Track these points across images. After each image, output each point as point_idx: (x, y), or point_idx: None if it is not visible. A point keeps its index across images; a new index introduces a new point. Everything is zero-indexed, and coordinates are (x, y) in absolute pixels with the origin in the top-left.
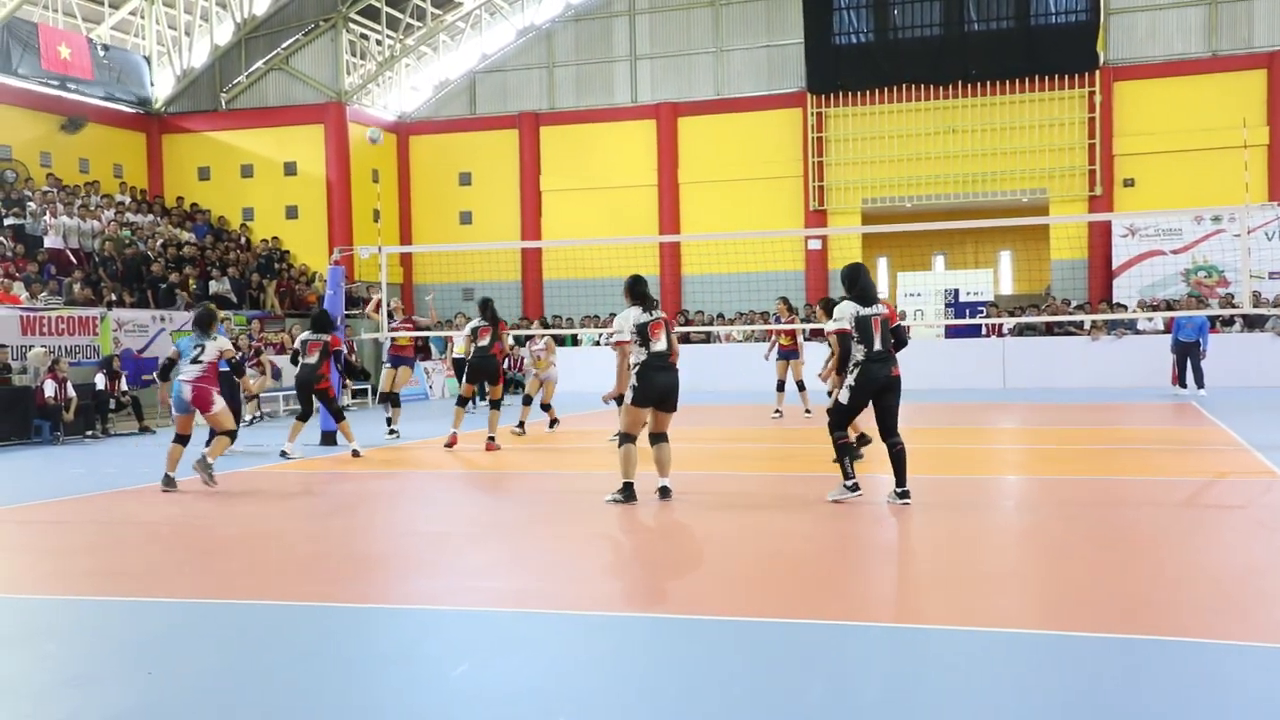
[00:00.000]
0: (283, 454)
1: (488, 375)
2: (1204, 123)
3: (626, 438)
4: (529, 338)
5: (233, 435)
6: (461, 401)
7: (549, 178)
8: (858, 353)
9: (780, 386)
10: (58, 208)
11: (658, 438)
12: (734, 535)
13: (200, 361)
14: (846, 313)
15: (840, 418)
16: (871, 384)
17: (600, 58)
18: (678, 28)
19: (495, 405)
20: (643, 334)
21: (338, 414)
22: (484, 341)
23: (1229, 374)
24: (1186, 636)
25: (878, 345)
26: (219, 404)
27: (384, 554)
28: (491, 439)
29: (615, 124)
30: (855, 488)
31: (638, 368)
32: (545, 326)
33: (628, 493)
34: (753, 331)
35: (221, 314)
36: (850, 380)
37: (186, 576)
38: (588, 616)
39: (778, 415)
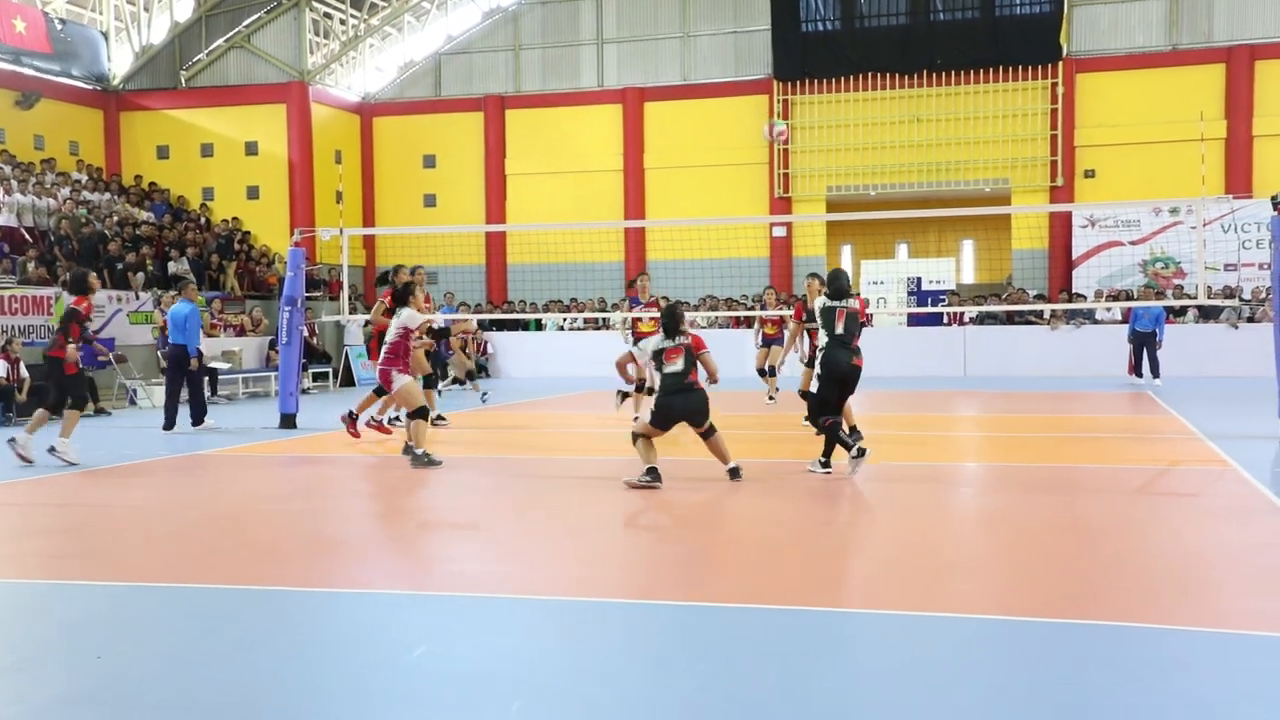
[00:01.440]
0: (51, 449)
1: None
2: (1163, 115)
3: (638, 437)
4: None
5: (424, 413)
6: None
7: (514, 161)
8: (821, 338)
9: (765, 372)
10: (12, 185)
11: (704, 435)
12: (696, 521)
13: (388, 341)
14: (817, 304)
15: (818, 407)
16: (836, 369)
17: (567, 41)
18: (645, 12)
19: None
20: (658, 359)
21: (74, 400)
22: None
23: (1184, 364)
24: (1136, 622)
25: (839, 330)
26: (399, 381)
27: (342, 538)
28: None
29: (581, 108)
30: (826, 465)
31: (657, 393)
32: (513, 309)
33: (653, 475)
34: (716, 318)
35: None
36: (817, 369)
37: (141, 559)
38: (549, 601)
39: (771, 401)
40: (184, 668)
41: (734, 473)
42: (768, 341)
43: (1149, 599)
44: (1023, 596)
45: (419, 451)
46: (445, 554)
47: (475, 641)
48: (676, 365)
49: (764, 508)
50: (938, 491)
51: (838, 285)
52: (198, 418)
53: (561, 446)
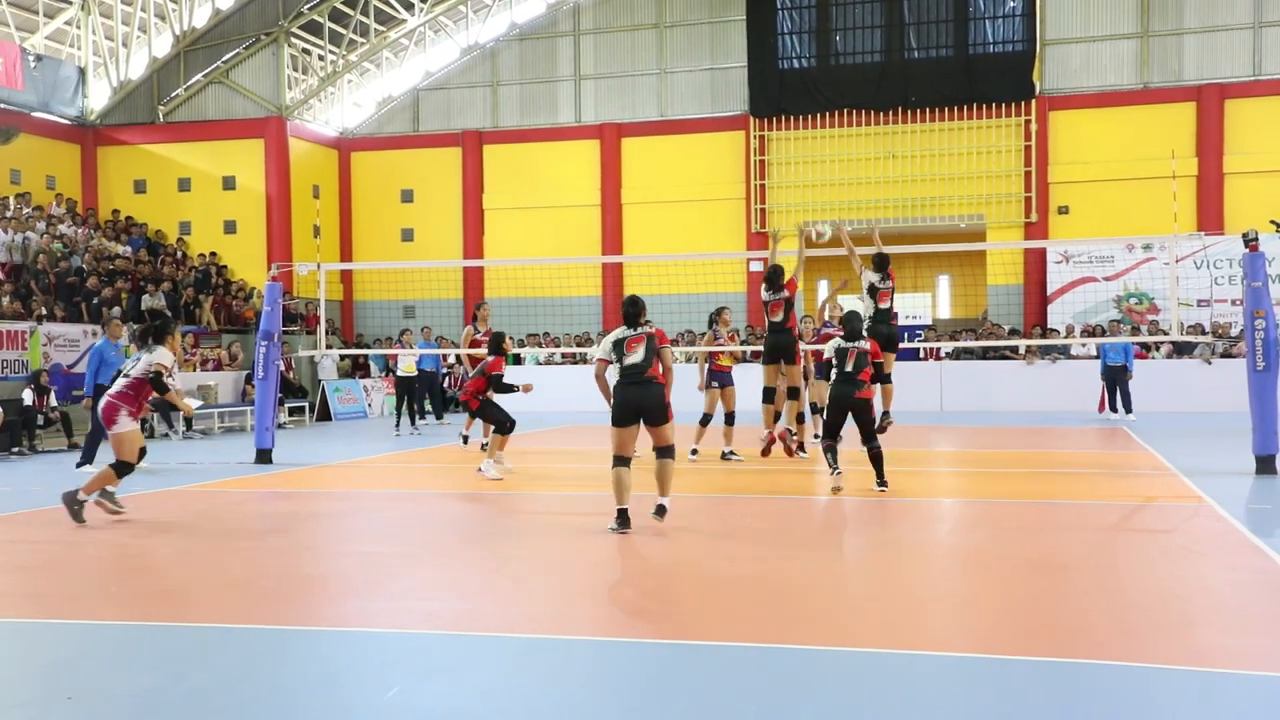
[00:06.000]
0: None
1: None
2: (1135, 153)
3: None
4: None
5: (126, 467)
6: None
7: (492, 196)
8: (835, 375)
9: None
10: None
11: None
12: (670, 558)
13: (128, 376)
14: (831, 346)
15: (825, 430)
16: (840, 401)
17: (544, 77)
18: (622, 49)
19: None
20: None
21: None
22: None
23: (1158, 399)
24: (1114, 660)
25: (848, 368)
26: (123, 425)
27: (316, 575)
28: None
29: (559, 143)
30: (836, 471)
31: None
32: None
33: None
34: (693, 353)
35: None
36: (827, 399)
37: (113, 598)
38: (523, 639)
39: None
40: (156, 708)
41: (659, 510)
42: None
43: (1126, 636)
44: (999, 633)
45: (81, 495)
46: (418, 592)
47: (449, 681)
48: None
49: (738, 544)
50: (914, 527)
51: (851, 328)
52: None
53: (536, 482)
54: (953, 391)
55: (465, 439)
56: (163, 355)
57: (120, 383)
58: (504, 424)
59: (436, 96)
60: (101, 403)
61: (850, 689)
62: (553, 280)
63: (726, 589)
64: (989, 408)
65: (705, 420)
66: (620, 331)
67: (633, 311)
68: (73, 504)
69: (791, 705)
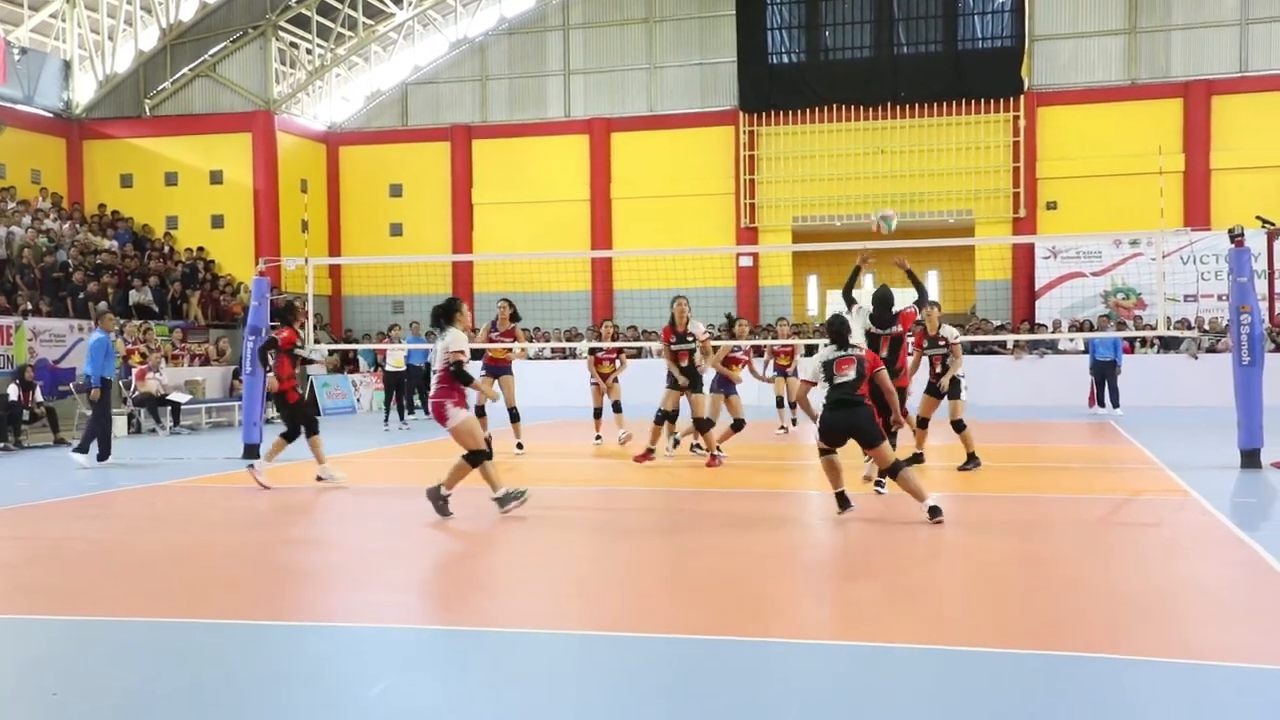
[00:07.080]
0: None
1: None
2: (1123, 149)
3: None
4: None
5: (476, 459)
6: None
7: (481, 190)
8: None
9: (780, 403)
10: None
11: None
12: (667, 554)
13: (437, 370)
14: (818, 359)
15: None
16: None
17: (534, 71)
18: (612, 43)
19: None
20: (828, 369)
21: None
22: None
23: (1145, 394)
24: (1101, 653)
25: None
26: (455, 417)
27: (302, 570)
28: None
29: (548, 138)
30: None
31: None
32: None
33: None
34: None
35: (147, 323)
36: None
37: (100, 593)
38: (513, 634)
39: (782, 431)
40: (142, 704)
41: (934, 511)
42: (780, 371)
43: (1113, 629)
44: (986, 627)
45: (500, 493)
46: (406, 587)
47: (437, 676)
48: (848, 375)
49: (731, 539)
50: (901, 522)
51: (838, 333)
52: (104, 452)
53: (526, 478)
54: None
55: (520, 445)
56: (455, 339)
57: (434, 380)
58: (292, 433)
59: (425, 91)
60: (429, 406)
61: (842, 684)
62: (542, 275)
63: (722, 584)
64: (977, 402)
65: (705, 425)
66: (830, 352)
67: (840, 331)
68: (437, 499)
69: (785, 701)
